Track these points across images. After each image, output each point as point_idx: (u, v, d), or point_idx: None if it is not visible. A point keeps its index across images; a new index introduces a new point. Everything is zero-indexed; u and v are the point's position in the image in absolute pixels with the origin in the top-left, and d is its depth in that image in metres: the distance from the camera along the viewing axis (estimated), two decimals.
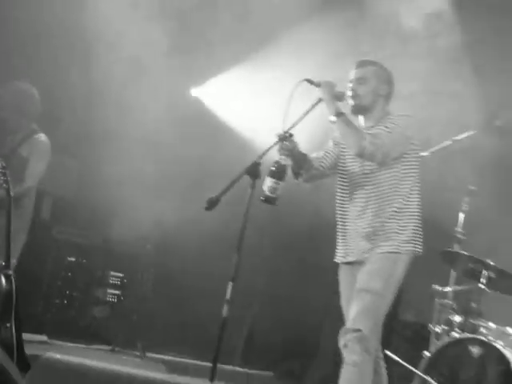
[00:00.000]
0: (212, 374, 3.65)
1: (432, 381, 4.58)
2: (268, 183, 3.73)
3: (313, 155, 4.17)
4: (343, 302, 4.14)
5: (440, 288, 5.33)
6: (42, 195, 6.48)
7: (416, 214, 4.04)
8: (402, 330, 6.41)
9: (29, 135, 5.12)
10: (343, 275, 4.18)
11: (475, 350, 4.58)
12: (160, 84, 6.50)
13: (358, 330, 3.76)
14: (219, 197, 3.56)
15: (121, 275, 7.20)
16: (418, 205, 4.06)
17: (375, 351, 3.87)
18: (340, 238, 4.16)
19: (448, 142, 5.30)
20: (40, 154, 5.12)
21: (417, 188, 4.06)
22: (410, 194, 4.02)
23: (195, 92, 6.99)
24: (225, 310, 3.61)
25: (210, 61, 6.76)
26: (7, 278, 4.09)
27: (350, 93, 4.07)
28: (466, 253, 5.18)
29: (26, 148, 5.07)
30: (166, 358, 6.58)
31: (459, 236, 5.37)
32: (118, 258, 7.21)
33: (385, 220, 3.92)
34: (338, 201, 4.18)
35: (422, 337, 5.39)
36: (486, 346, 4.56)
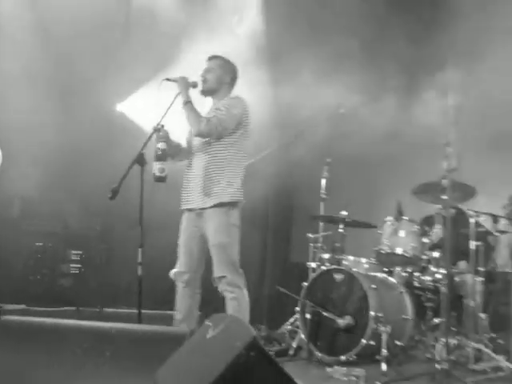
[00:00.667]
0: (138, 318, 3.83)
1: (309, 302, 4.77)
2: (156, 166, 3.98)
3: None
4: (180, 243, 4.31)
5: (312, 235, 5.54)
6: (12, 197, 6.60)
7: (238, 174, 4.25)
8: (291, 270, 6.59)
9: None
10: (184, 220, 4.32)
11: (338, 276, 4.79)
12: (91, 101, 6.56)
13: (224, 277, 4.09)
14: (118, 187, 3.76)
15: (80, 252, 7.31)
16: (241, 167, 4.29)
17: (243, 284, 4.16)
18: (184, 191, 4.33)
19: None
20: None
21: (241, 154, 4.29)
22: (234, 158, 4.24)
23: (120, 107, 7.02)
24: (139, 270, 3.78)
25: (131, 80, 6.81)
26: None
27: (201, 79, 4.27)
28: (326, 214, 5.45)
29: None
30: (119, 311, 6.82)
31: (323, 196, 5.55)
32: (76, 239, 7.31)
33: (217, 180, 4.16)
34: (187, 163, 4.36)
35: (304, 272, 5.47)
36: (346, 273, 4.79)
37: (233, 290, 4.12)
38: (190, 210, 4.30)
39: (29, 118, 6.39)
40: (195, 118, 4.15)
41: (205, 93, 4.34)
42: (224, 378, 1.77)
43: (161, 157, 4.02)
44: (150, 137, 4.08)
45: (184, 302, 4.28)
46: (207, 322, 2.29)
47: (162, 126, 4.12)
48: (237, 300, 4.13)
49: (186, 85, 4.19)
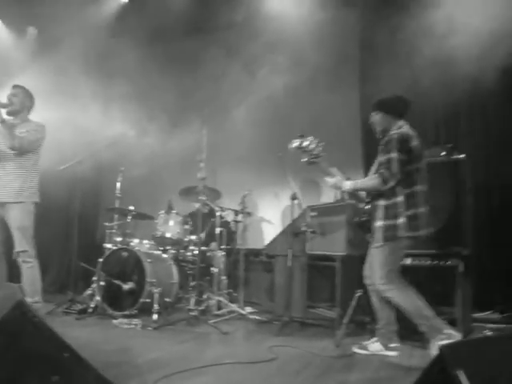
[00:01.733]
0: None
1: (103, 273, 4.76)
2: None
3: None
4: None
5: (109, 224, 5.43)
6: None
7: (35, 179, 4.22)
8: (96, 250, 6.12)
9: None
10: None
11: (124, 254, 4.82)
12: None
13: (25, 250, 4.03)
14: None
15: None
16: (37, 175, 4.24)
17: (36, 256, 4.11)
18: None
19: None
20: None
21: (37, 165, 4.25)
22: (33, 168, 4.22)
23: None
24: None
25: None
26: None
27: (8, 102, 4.13)
28: (122, 207, 5.30)
29: None
30: None
31: (118, 195, 5.40)
32: None
33: (22, 182, 4.11)
34: None
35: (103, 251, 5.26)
36: (130, 251, 4.81)
37: (32, 260, 4.07)
38: None
39: None
40: (10, 135, 4.01)
41: (10, 113, 4.16)
42: None
43: None
44: None
45: None
46: None
47: None
48: (34, 268, 4.09)
49: None
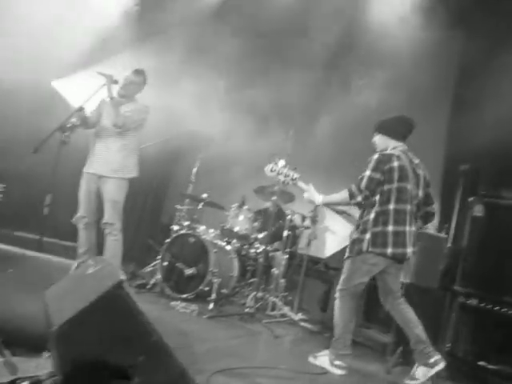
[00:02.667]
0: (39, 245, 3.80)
1: (168, 254, 4.86)
2: (65, 134, 4.00)
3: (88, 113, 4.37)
4: (81, 194, 4.34)
5: (180, 207, 5.63)
6: None
7: (135, 156, 4.42)
8: (162, 229, 6.59)
9: None
10: (85, 179, 4.36)
11: (191, 239, 4.93)
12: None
13: (113, 223, 4.26)
14: (40, 145, 3.79)
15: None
16: (137, 152, 4.46)
17: (121, 230, 4.33)
18: (91, 158, 4.37)
19: None
20: None
21: (138, 143, 4.47)
22: (135, 146, 4.43)
23: (55, 83, 6.58)
24: (45, 211, 3.91)
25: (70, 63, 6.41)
26: None
27: (124, 83, 4.33)
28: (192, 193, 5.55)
29: None
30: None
31: (192, 180, 5.62)
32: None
33: (121, 158, 4.33)
34: (97, 138, 4.40)
35: (169, 232, 5.42)
36: (196, 237, 4.91)
37: (117, 233, 4.29)
38: (93, 173, 4.33)
39: None
40: (116, 113, 4.21)
41: (122, 96, 4.37)
42: (93, 306, 1.82)
43: (71, 128, 4.05)
44: (73, 113, 4.09)
45: (84, 239, 4.34)
46: (90, 261, 2.33)
47: (83, 107, 4.16)
48: (118, 242, 4.31)
49: (111, 81, 4.20)
